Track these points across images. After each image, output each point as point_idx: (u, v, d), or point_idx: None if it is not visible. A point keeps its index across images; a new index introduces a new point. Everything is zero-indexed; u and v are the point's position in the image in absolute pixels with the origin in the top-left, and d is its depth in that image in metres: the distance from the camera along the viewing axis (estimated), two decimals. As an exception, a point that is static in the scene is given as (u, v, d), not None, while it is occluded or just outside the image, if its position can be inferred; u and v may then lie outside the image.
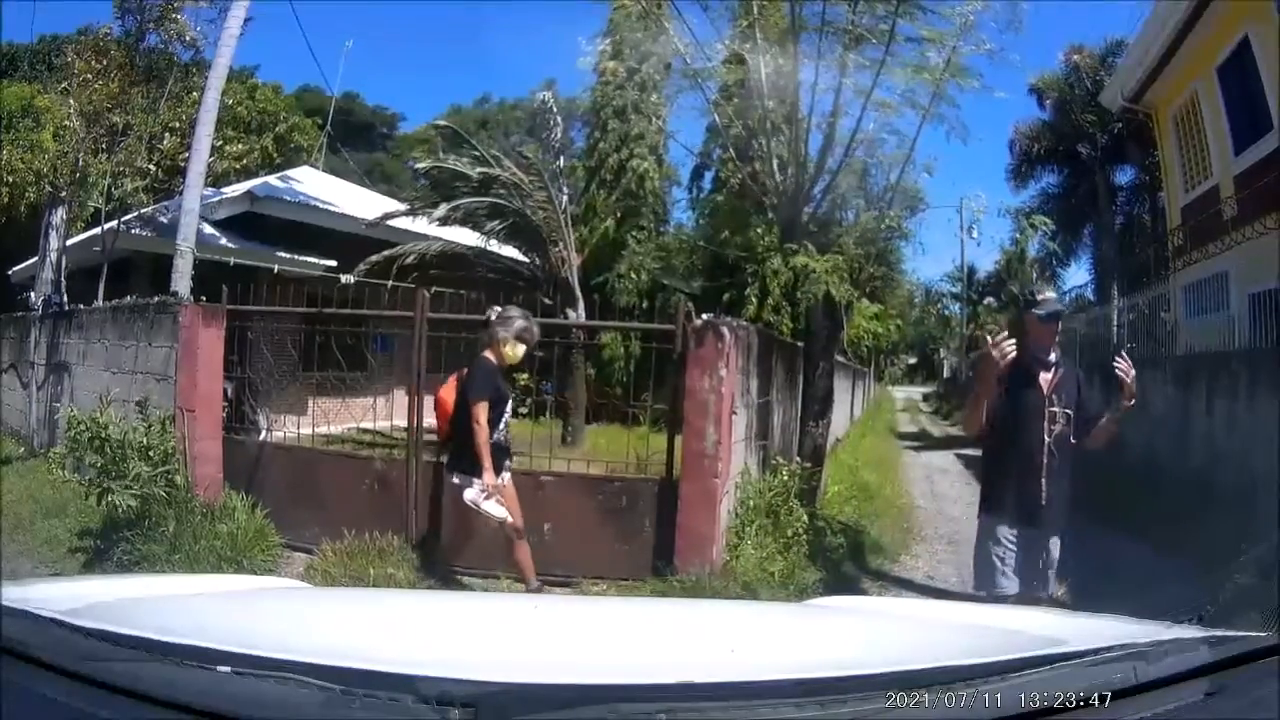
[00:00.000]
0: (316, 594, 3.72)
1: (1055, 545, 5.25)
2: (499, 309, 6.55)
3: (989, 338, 5.12)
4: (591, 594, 6.64)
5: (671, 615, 3.00)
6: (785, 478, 7.96)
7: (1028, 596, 5.27)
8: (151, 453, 7.25)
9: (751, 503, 7.80)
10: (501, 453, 6.27)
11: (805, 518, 7.81)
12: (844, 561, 8.33)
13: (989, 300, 36.35)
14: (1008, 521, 5.26)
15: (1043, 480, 5.07)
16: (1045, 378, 5.12)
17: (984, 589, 5.51)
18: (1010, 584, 5.36)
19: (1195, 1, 13.09)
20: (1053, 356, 5.19)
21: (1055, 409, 5.09)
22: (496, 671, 1.47)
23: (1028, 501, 5.12)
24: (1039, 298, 5.25)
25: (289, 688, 1.42)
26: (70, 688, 1.48)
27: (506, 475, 6.39)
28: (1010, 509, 5.23)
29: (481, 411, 5.97)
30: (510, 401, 6.37)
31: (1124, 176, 26.47)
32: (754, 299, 9.86)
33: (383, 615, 2.57)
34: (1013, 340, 4.89)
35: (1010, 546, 5.32)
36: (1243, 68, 12.78)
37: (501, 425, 6.22)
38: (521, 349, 6.28)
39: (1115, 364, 5.00)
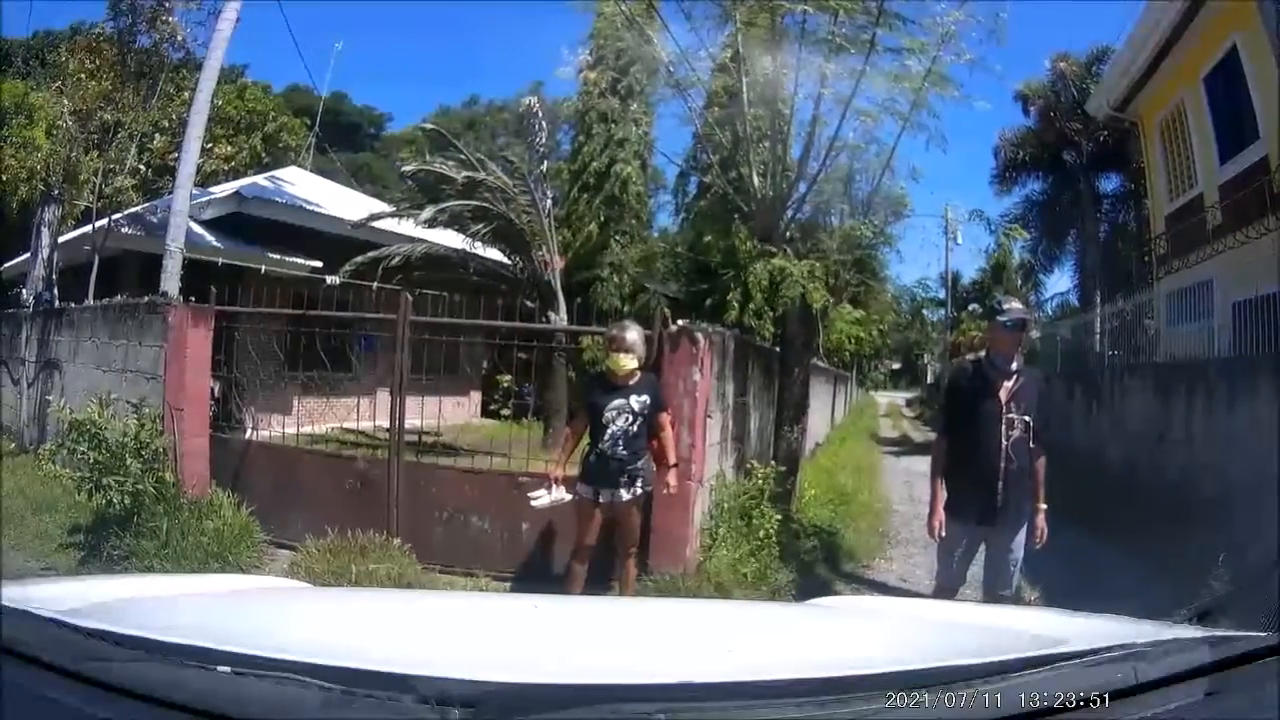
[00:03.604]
0: (317, 594, 3.70)
1: (1018, 545, 5.40)
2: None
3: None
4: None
5: (671, 615, 3.04)
6: (759, 481, 8.05)
7: (991, 594, 5.48)
8: (143, 450, 7.38)
9: (726, 505, 7.90)
10: (611, 465, 6.05)
11: (777, 520, 7.86)
12: (817, 563, 8.45)
13: (973, 306, 36.32)
14: (965, 523, 5.45)
15: (1000, 483, 5.23)
16: (1005, 385, 5.29)
17: (940, 584, 5.76)
18: (957, 582, 5.64)
19: (1184, 9, 13.02)
20: (1014, 365, 5.35)
21: (1013, 415, 5.25)
22: (496, 671, 1.48)
23: (986, 503, 5.29)
24: (1004, 307, 5.45)
25: (289, 688, 1.43)
26: (70, 688, 1.49)
27: (624, 494, 6.10)
28: (968, 511, 5.41)
29: (567, 422, 6.69)
30: (617, 415, 6.05)
31: (1109, 184, 26.34)
32: (735, 304, 9.94)
33: (383, 615, 2.58)
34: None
35: (963, 547, 5.55)
36: (1229, 77, 12.73)
37: (606, 438, 6.03)
38: (619, 356, 6.02)
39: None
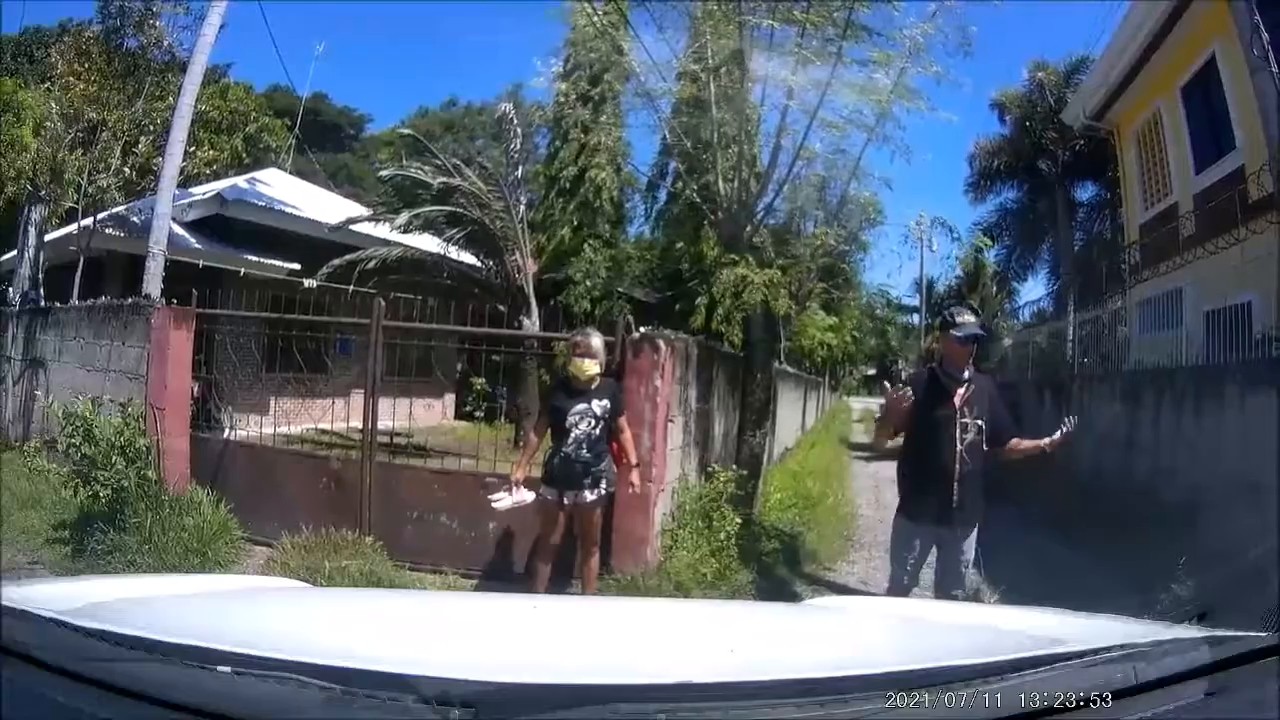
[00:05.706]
0: (316, 594, 3.72)
1: (970, 546, 5.60)
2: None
3: (892, 391, 5.56)
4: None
5: (671, 615, 3.05)
6: (720, 484, 8.26)
7: (944, 595, 5.61)
8: (127, 448, 7.55)
9: (688, 507, 8.10)
10: (575, 467, 6.22)
11: (738, 522, 8.04)
12: (778, 565, 8.60)
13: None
14: (919, 524, 5.67)
15: (954, 484, 5.41)
16: (959, 392, 5.47)
17: (893, 585, 5.92)
18: (909, 583, 5.80)
19: (1164, 17, 13.12)
20: (967, 373, 5.54)
21: (967, 420, 5.44)
22: (496, 671, 1.49)
23: (940, 504, 5.48)
24: (957, 320, 5.55)
25: (289, 688, 1.44)
26: (70, 688, 1.49)
27: (588, 494, 6.28)
28: (923, 512, 5.62)
29: (530, 426, 6.88)
30: (580, 419, 6.21)
31: (1084, 193, 26.23)
32: (702, 309, 10.13)
33: (383, 615, 2.60)
34: (909, 391, 5.43)
35: (916, 549, 5.72)
36: (1207, 87, 12.80)
37: (570, 441, 6.19)
38: (581, 361, 6.20)
39: (1064, 425, 5.49)
